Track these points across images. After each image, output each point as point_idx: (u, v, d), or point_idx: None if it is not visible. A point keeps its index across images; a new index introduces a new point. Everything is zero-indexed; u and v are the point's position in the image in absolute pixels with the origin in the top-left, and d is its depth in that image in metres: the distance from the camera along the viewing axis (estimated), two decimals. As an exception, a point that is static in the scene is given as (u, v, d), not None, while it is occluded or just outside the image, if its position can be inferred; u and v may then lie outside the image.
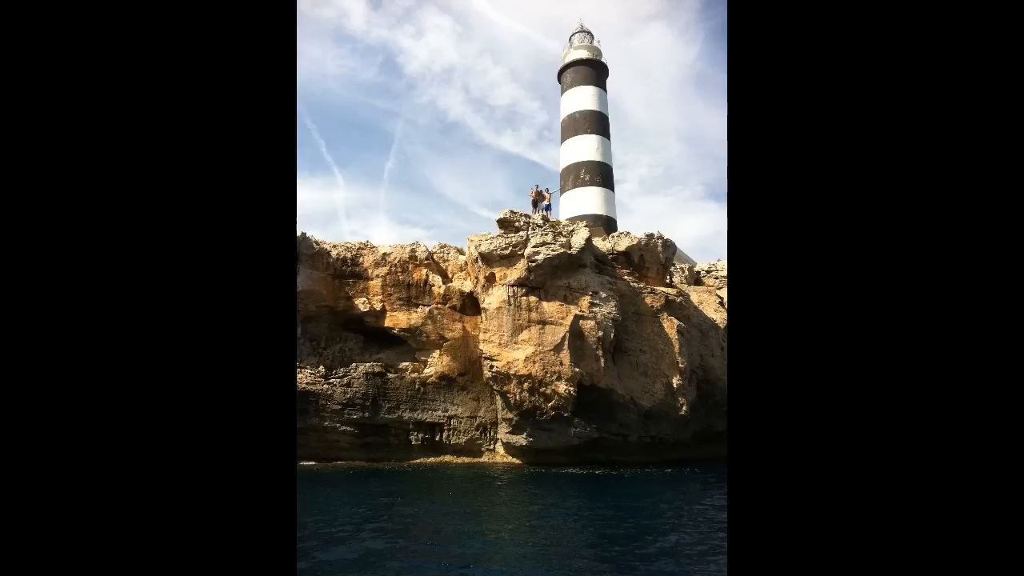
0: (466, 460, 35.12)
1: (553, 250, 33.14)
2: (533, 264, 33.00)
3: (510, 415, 32.96)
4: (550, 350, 32.37)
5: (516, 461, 33.99)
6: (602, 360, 32.75)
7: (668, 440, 33.82)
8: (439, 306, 36.18)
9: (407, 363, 36.26)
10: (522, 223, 34.21)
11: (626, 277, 36.45)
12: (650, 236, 37.79)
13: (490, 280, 34.21)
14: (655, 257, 37.57)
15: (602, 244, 37.14)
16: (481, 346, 33.30)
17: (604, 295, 33.77)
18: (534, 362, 32.29)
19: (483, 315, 33.74)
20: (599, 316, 32.98)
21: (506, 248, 33.50)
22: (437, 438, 35.60)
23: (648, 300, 35.52)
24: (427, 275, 36.73)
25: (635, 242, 37.13)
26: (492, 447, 35.22)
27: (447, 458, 35.44)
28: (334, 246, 37.50)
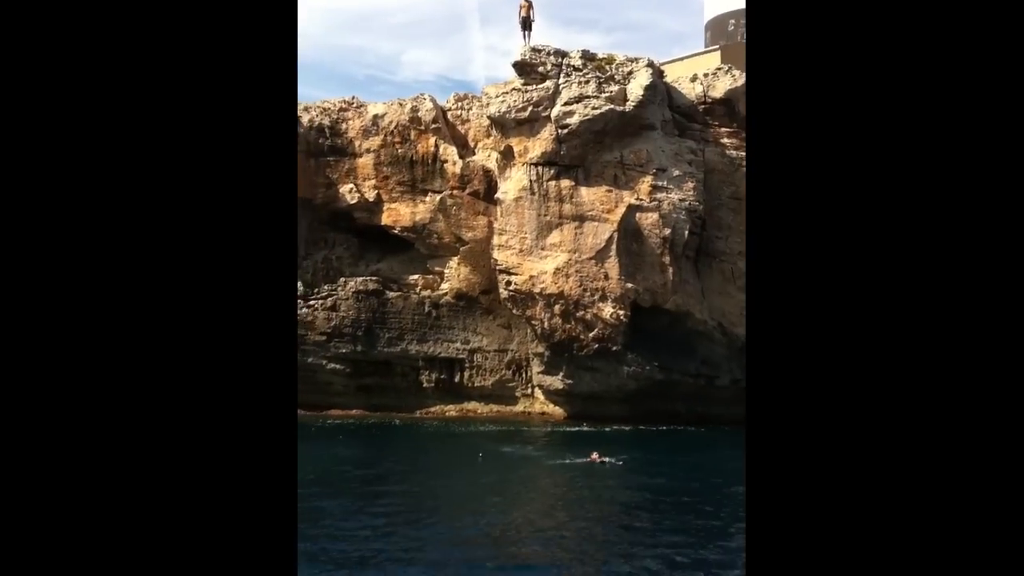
0: (495, 409, 35.43)
1: (595, 107, 31.17)
2: (565, 131, 31.29)
3: (540, 349, 32.54)
4: (590, 258, 31.24)
5: (558, 411, 33.83)
6: (670, 270, 31.18)
7: (780, 382, 32.11)
8: (455, 192, 35.50)
9: (416, 276, 36.33)
10: (550, 66, 32.19)
11: (725, 140, 33.77)
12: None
13: (507, 156, 32.94)
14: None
15: (688, 88, 34.30)
16: (495, 253, 32.60)
17: (679, 172, 31.66)
18: (567, 276, 31.36)
19: (497, 208, 32.79)
20: (667, 204, 31.09)
21: (524, 107, 31.85)
22: (456, 379, 35.95)
23: (754, 173, 32.82)
24: (437, 145, 35.94)
25: (740, 84, 33.95)
26: (529, 391, 35.17)
27: (471, 406, 35.89)
28: (305, 108, 37.35)
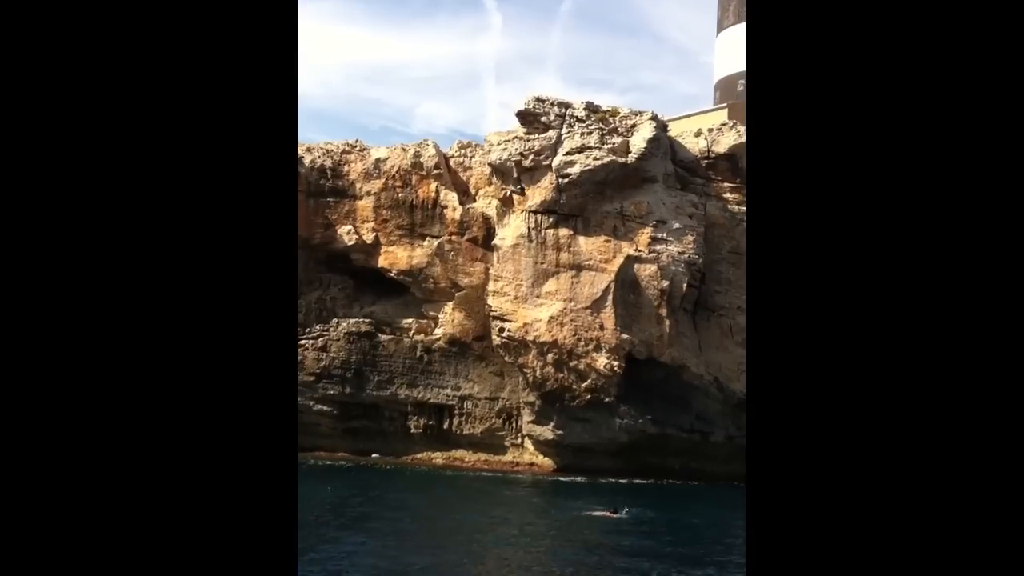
0: (483, 457, 35.36)
1: (597, 158, 31.63)
2: (565, 180, 31.71)
3: (531, 398, 32.58)
4: (586, 307, 31.43)
5: (548, 462, 33.75)
6: (667, 323, 31.35)
7: (774, 443, 32.06)
8: (454, 238, 35.82)
9: (410, 320, 36.49)
10: (553, 116, 32.73)
11: (727, 195, 34.22)
12: (771, 129, 34.93)
13: (506, 203, 33.33)
14: (778, 161, 34.76)
15: (692, 143, 34.84)
16: (490, 299, 32.83)
17: (679, 225, 32.00)
18: (562, 324, 31.54)
19: (495, 255, 33.11)
20: (666, 257, 31.37)
21: (526, 155, 32.30)
22: (445, 426, 35.91)
23: (755, 230, 33.15)
24: (438, 191, 36.35)
25: (744, 139, 34.43)
26: (518, 440, 35.10)
27: (459, 454, 35.81)
28: (308, 149, 37.89)
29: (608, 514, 23.50)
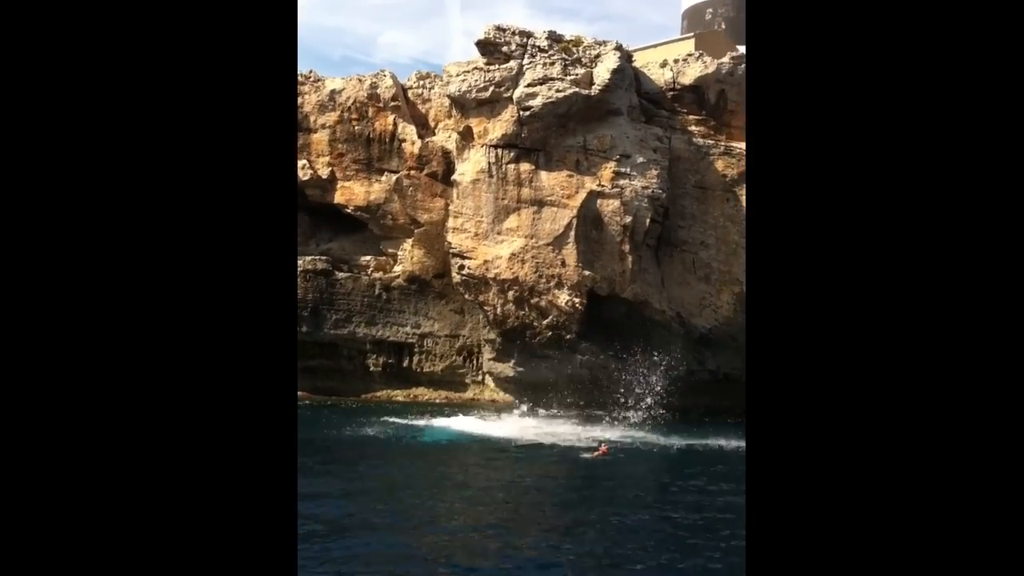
0: (444, 395, 35.58)
1: (559, 90, 31.35)
2: (526, 113, 31.43)
3: (492, 335, 32.70)
4: (547, 244, 31.43)
5: (508, 398, 34.01)
6: (629, 259, 31.46)
7: (736, 377, 32.45)
8: (412, 173, 35.53)
9: (368, 257, 36.32)
10: (514, 46, 32.31)
11: (692, 128, 34.11)
12: (738, 60, 34.73)
13: (466, 137, 33.03)
14: (744, 95, 34.63)
15: (657, 74, 34.62)
16: (449, 236, 32.71)
17: (643, 159, 31.90)
18: (523, 261, 31.55)
19: (454, 190, 32.88)
20: (629, 191, 31.34)
21: (485, 87, 31.95)
22: (405, 364, 36.01)
23: (720, 165, 33.17)
24: (395, 124, 35.94)
25: (710, 71, 34.31)
26: (479, 378, 35.34)
27: (419, 391, 36.01)
28: (261, 83, 37.19)
29: (598, 453, 22.50)
